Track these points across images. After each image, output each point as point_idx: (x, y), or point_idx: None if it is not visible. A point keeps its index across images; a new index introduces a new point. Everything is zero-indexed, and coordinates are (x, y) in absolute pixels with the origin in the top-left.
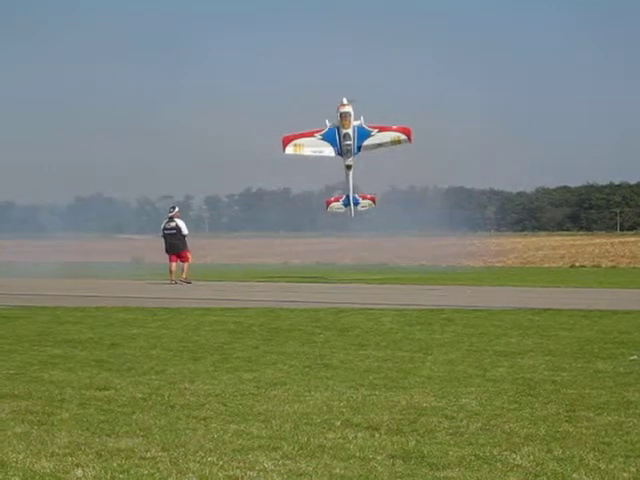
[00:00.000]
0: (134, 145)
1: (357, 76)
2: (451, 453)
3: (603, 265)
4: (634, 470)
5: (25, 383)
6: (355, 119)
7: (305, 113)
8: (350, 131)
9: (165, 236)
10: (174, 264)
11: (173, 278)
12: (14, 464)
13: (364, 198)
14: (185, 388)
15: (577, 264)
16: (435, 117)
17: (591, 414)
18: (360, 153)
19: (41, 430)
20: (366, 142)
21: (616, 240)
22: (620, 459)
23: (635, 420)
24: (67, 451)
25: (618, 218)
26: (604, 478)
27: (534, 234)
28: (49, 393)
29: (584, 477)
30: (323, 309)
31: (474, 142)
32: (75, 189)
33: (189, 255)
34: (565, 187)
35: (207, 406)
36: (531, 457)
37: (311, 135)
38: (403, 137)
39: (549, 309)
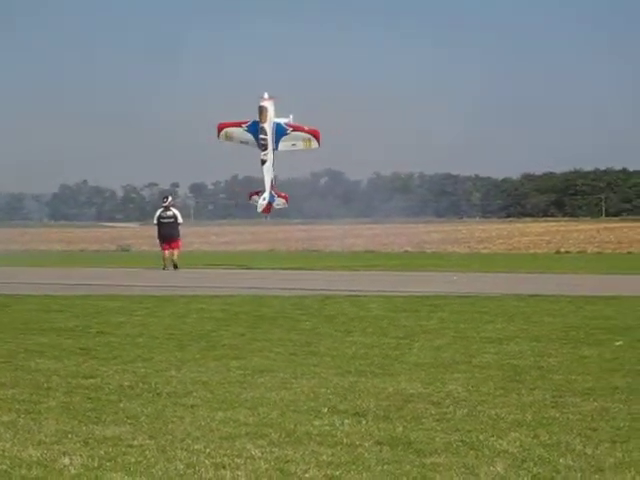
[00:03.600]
0: (119, 133)
1: (345, 60)
2: (438, 439)
3: (588, 251)
4: (620, 455)
5: (12, 371)
6: (284, 117)
7: (300, 104)
8: (266, 126)
9: (161, 224)
10: (167, 251)
11: (166, 264)
12: (1, 452)
13: (279, 196)
14: (172, 376)
15: (562, 250)
16: (421, 103)
17: (577, 400)
18: (278, 151)
19: (28, 418)
20: (282, 140)
21: (601, 226)
22: (606, 444)
23: (621, 405)
24: (54, 439)
25: (603, 204)
26: (590, 463)
27: (519, 220)
28: (36, 381)
29: (570, 462)
30: (309, 296)
31: (460, 128)
32: (60, 177)
33: (180, 243)
34: (550, 173)
35: (194, 394)
36: (517, 443)
37: (239, 125)
38: (313, 140)
39: (535, 295)
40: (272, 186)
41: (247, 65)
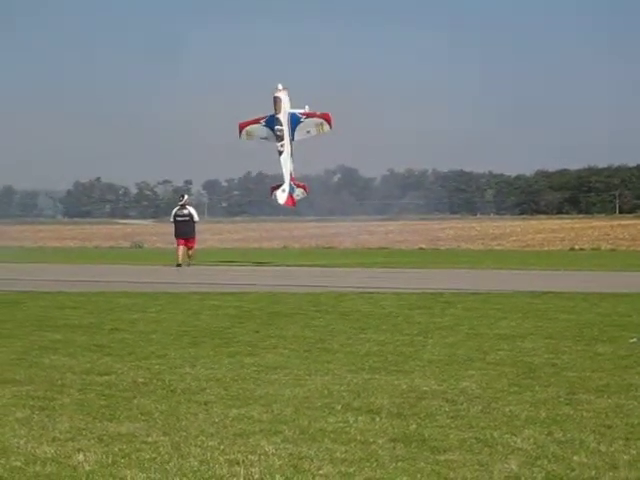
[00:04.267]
0: (130, 133)
1: (350, 58)
2: (452, 436)
3: (602, 248)
4: (635, 452)
5: (26, 368)
6: (299, 107)
7: (305, 101)
8: (281, 116)
9: (177, 222)
10: (182, 248)
11: (180, 261)
12: (16, 449)
13: (298, 186)
14: (186, 372)
15: (576, 247)
16: (434, 99)
17: (591, 397)
18: (295, 141)
19: (42, 415)
20: (297, 128)
21: (615, 223)
22: (620, 442)
23: (635, 403)
24: (68, 436)
25: (617, 201)
26: (605, 460)
27: (533, 217)
28: (50, 378)
29: (584, 460)
30: (323, 293)
31: (474, 125)
32: (74, 174)
33: (196, 241)
34: (564, 170)
35: (208, 390)
36: (532, 440)
37: (258, 122)
38: (325, 124)
39: (549, 292)
40: (291, 177)
41: (247, 65)
